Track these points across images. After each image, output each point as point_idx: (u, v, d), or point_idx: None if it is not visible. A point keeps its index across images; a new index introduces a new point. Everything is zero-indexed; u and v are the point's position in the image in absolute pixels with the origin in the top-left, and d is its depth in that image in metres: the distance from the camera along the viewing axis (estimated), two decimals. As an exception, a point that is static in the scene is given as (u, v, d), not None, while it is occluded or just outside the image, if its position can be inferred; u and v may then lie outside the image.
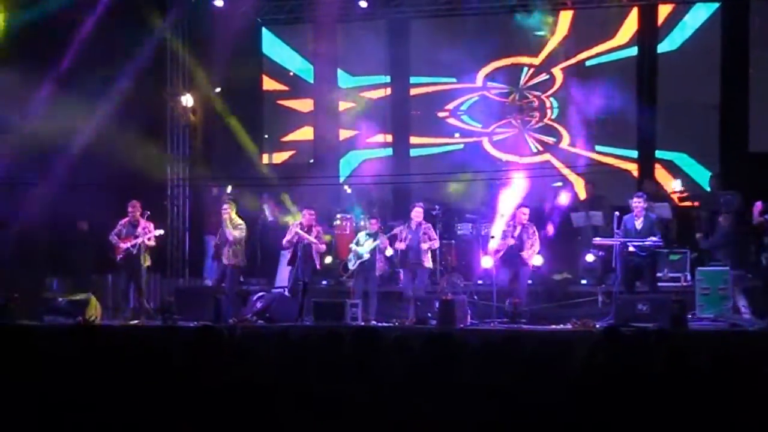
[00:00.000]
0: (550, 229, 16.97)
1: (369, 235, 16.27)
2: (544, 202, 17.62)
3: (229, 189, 18.73)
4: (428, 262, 15.92)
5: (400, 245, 15.81)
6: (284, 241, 16.10)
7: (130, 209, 16.23)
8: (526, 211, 15.70)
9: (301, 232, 15.84)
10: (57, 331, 10.40)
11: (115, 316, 16.55)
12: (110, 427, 5.79)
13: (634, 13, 18.87)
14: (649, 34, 18.78)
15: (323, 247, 16.25)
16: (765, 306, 14.37)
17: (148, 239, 16.17)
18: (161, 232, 16.64)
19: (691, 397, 5.81)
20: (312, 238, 15.88)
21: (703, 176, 18.21)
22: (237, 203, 16.68)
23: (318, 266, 16.18)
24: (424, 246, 15.77)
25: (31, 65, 17.01)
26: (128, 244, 16.08)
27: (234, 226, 16.04)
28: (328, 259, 17.40)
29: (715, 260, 15.67)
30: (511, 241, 15.41)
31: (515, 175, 17.58)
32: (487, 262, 16.11)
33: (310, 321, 15.10)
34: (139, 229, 16.14)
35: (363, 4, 19.25)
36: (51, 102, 17.37)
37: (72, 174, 17.44)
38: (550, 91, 19.34)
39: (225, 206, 16.25)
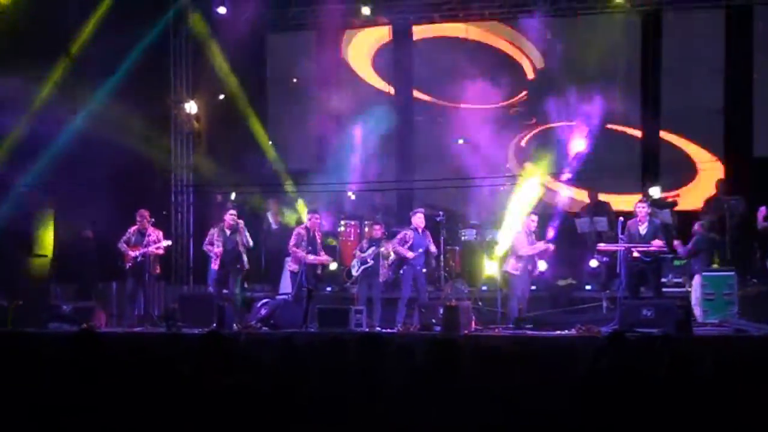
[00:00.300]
0: (551, 232, 16.94)
1: (372, 241, 16.30)
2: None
3: (233, 196, 18.74)
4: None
5: (408, 253, 15.71)
6: (291, 246, 16.08)
7: (138, 218, 16.30)
8: (535, 218, 15.66)
9: (309, 257, 15.92)
10: (60, 338, 10.42)
11: (119, 324, 16.55)
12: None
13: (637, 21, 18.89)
14: (652, 39, 18.76)
15: (327, 258, 16.36)
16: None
17: (157, 248, 16.25)
18: (169, 243, 16.72)
19: (695, 403, 5.80)
20: (323, 258, 16.06)
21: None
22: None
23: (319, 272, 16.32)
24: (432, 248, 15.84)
25: (31, 69, 17.06)
26: (137, 253, 16.15)
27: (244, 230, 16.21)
28: (333, 266, 17.36)
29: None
30: (543, 245, 15.45)
31: (521, 180, 17.56)
32: (491, 268, 16.17)
33: (315, 327, 15.08)
34: (150, 238, 16.21)
35: (365, 11, 19.25)
36: (51, 107, 17.40)
37: (76, 180, 17.44)
38: (552, 98, 19.30)
39: (233, 212, 16.34)
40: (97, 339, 7.09)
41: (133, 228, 16.36)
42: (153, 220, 16.45)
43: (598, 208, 17.55)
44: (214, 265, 16.16)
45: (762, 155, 17.94)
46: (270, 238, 18.26)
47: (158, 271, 16.58)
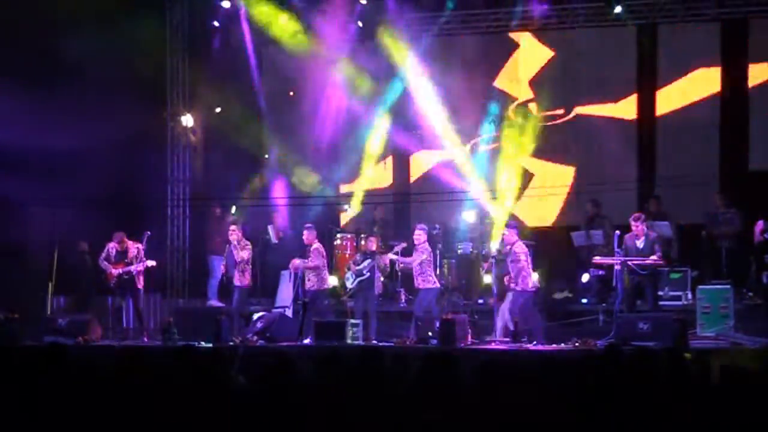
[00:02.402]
0: None
1: (367, 254, 16.28)
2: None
3: (233, 209, 18.74)
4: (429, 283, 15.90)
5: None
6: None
7: (116, 240, 16.26)
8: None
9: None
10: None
11: (115, 337, 16.52)
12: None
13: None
14: (648, 52, 18.82)
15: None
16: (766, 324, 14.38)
17: (138, 267, 16.20)
18: (153, 263, 16.55)
19: (692, 416, 5.80)
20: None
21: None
22: (240, 224, 16.76)
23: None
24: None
25: (31, 85, 17.07)
26: (120, 271, 16.14)
27: (242, 247, 16.09)
28: (334, 281, 17.18)
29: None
30: None
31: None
32: (488, 278, 16.16)
33: (311, 341, 15.06)
34: (130, 255, 16.18)
35: (360, 24, 19.26)
36: (47, 120, 17.38)
37: (72, 193, 17.44)
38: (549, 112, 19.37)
39: (232, 227, 16.34)
40: (66, 352, 7.07)
41: (112, 244, 16.34)
42: (148, 233, 16.44)
43: (595, 221, 17.49)
44: (243, 282, 16.14)
45: (757, 169, 17.98)
46: (269, 252, 18.25)
47: (141, 284, 16.49)
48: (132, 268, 16.14)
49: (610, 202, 17.92)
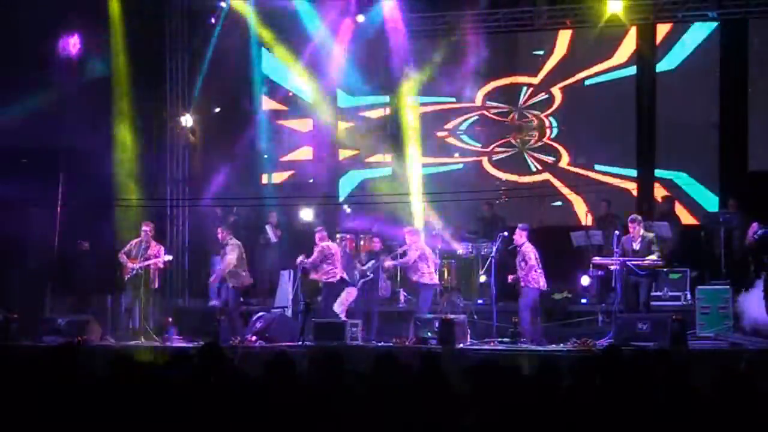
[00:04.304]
0: None
1: (371, 254, 16.27)
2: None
3: (234, 210, 18.78)
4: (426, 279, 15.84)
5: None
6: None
7: (144, 229, 16.24)
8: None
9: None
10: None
11: (114, 337, 16.50)
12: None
13: (632, 32, 18.90)
14: (647, 53, 18.83)
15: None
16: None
17: (156, 263, 16.19)
18: (170, 258, 16.62)
19: (691, 417, 5.81)
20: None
21: (702, 195, 18.24)
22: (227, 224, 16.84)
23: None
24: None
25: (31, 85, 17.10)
26: (136, 265, 16.11)
27: (230, 250, 16.14)
28: None
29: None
30: None
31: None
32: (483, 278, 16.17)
33: (312, 341, 15.03)
34: (150, 252, 16.16)
35: (360, 19, 19.24)
36: (47, 120, 17.39)
37: (72, 193, 17.45)
38: (549, 110, 19.38)
39: (222, 227, 16.39)
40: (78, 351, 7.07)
41: (135, 240, 16.32)
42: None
43: (607, 221, 17.46)
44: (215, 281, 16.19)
45: (756, 170, 17.99)
46: (268, 251, 18.25)
47: (156, 285, 16.51)
48: (148, 263, 16.12)
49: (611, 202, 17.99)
